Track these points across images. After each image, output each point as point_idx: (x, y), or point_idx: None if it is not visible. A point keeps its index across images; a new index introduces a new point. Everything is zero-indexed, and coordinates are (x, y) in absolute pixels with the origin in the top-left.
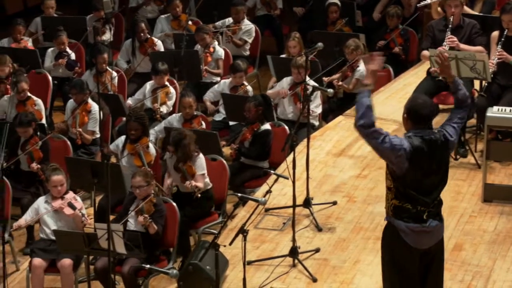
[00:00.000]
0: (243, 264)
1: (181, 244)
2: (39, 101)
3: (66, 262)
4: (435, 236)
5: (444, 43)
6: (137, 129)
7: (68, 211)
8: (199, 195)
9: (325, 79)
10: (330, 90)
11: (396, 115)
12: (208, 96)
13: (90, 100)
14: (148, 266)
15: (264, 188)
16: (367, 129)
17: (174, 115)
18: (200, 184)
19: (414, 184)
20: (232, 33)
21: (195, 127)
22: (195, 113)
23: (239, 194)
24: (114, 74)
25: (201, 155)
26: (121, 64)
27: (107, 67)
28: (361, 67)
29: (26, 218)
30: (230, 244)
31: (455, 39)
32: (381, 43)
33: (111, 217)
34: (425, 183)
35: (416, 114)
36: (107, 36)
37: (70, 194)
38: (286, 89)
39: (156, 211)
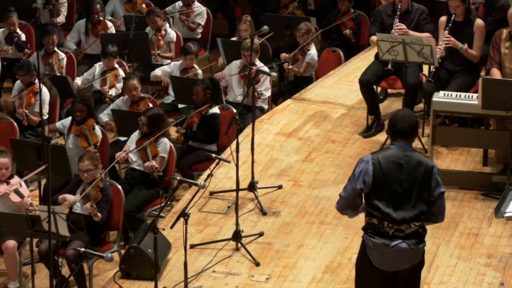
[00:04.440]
0: (184, 248)
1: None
2: None
3: (10, 243)
4: (400, 260)
5: (393, 31)
6: (83, 110)
7: (15, 198)
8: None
9: (283, 55)
10: (274, 74)
11: (345, 99)
12: (156, 72)
13: (37, 82)
14: (82, 249)
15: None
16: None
17: (121, 97)
18: (157, 165)
19: (381, 193)
20: (186, 17)
21: (142, 109)
22: (142, 95)
23: (178, 178)
24: (62, 55)
25: (166, 139)
26: (70, 45)
27: (56, 49)
28: (312, 51)
29: None
30: (171, 227)
31: (404, 26)
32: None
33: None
34: (394, 195)
35: (393, 127)
36: (61, 18)
37: (16, 179)
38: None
39: (103, 196)
